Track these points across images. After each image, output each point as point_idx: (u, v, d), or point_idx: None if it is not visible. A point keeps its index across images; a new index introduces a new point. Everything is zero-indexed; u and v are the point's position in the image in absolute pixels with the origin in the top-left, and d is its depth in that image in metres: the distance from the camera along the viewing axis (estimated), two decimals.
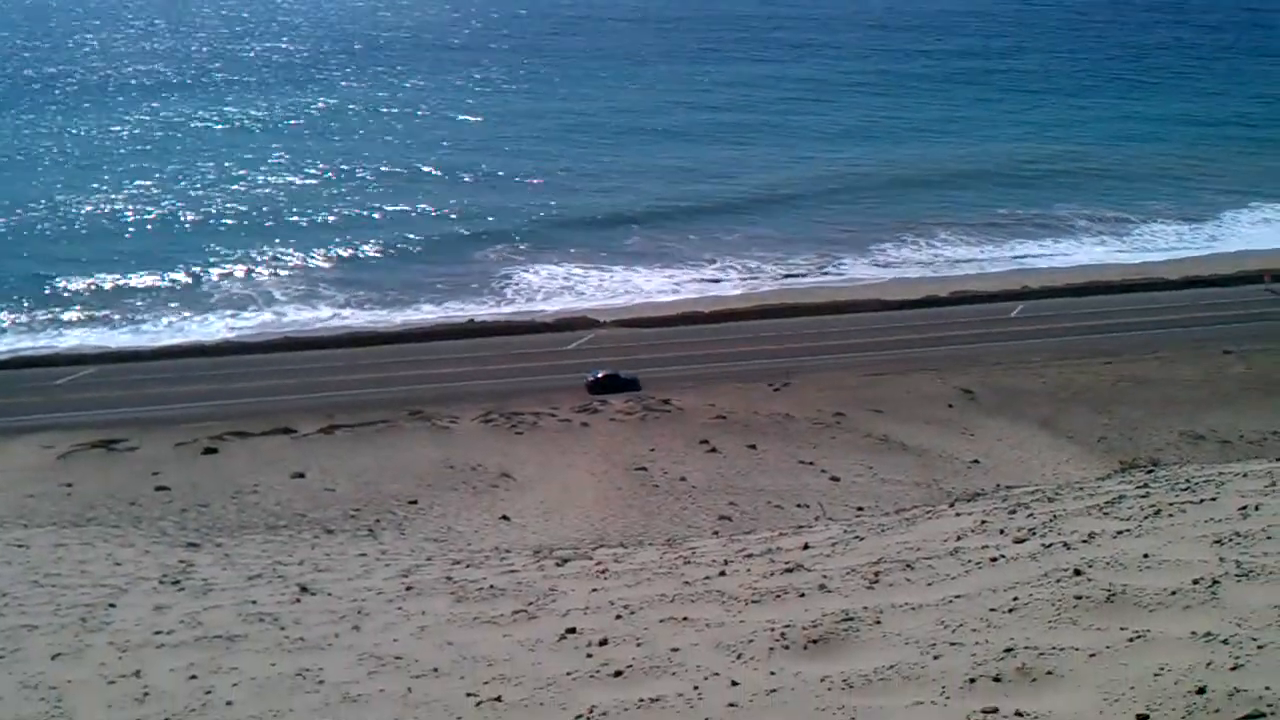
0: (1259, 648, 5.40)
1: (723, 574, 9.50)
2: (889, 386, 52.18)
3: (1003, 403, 49.58)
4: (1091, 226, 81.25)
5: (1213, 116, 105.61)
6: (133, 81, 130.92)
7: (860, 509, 31.58)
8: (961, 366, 54.53)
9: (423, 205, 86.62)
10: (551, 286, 72.83)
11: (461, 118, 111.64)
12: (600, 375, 54.01)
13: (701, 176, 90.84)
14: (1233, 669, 5.23)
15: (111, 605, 14.41)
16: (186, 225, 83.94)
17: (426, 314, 68.27)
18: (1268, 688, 4.93)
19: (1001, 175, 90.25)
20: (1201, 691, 5.04)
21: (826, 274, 73.56)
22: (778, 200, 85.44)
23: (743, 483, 39.01)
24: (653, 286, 72.56)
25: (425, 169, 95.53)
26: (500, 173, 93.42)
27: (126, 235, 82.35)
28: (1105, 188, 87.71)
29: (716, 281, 73.03)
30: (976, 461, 41.55)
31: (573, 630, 8.30)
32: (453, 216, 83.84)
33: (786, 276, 72.97)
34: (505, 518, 34.60)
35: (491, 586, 11.08)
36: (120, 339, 66.44)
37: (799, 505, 35.06)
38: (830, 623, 7.08)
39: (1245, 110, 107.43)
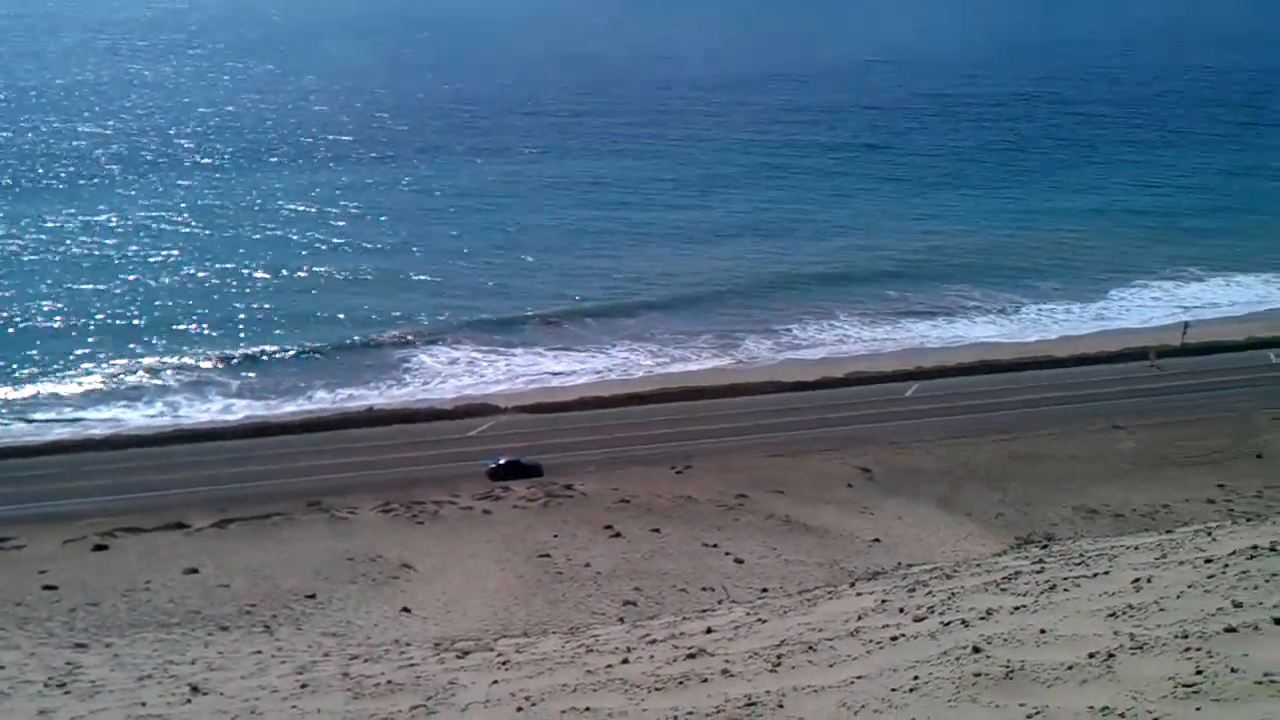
0: None
1: (625, 661, 9.39)
2: (790, 468, 52.57)
3: (901, 481, 50.20)
4: (983, 307, 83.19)
5: (1097, 203, 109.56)
6: (20, 180, 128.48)
7: (765, 590, 31.57)
8: (859, 446, 55.16)
9: (316, 298, 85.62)
10: (452, 372, 72.32)
11: (352, 212, 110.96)
12: (502, 462, 53.60)
13: (599, 272, 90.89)
14: None
15: None
16: (74, 319, 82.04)
17: (322, 403, 67.23)
18: None
19: (895, 260, 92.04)
20: None
21: (728, 357, 74.19)
22: (674, 291, 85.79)
23: (647, 567, 38.84)
24: (556, 369, 72.48)
25: (316, 264, 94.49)
26: (394, 269, 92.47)
27: (9, 330, 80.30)
28: (996, 271, 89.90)
29: (618, 367, 73.27)
30: (877, 540, 41.88)
31: None
32: (347, 311, 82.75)
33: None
34: (406, 610, 33.98)
35: (389, 681, 10.81)
36: (6, 434, 64.41)
37: (703, 588, 34.97)
38: (733, 708, 7.00)
39: (1129, 197, 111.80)
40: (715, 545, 41.65)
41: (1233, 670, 5.87)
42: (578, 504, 47.91)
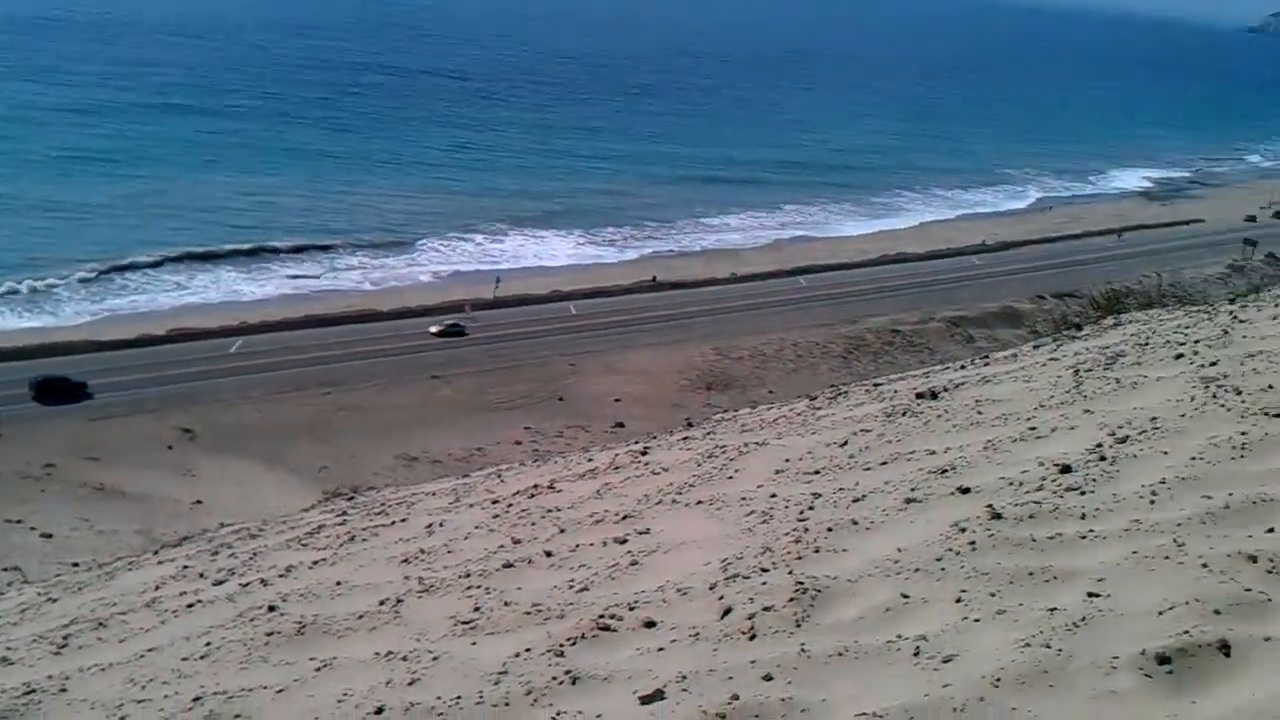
0: (434, 659, 5.71)
1: None
2: (105, 431, 49.68)
3: (225, 440, 49.26)
4: (298, 260, 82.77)
5: (392, 172, 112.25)
6: None
7: (75, 565, 29.63)
8: (180, 405, 53.29)
9: None
10: None
11: None
12: None
13: None
14: (410, 684, 5.47)
15: None
16: None
17: None
18: (439, 697, 5.22)
19: (215, 223, 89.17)
20: (380, 711, 5.21)
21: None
22: None
23: None
24: None
25: None
26: None
27: None
28: (305, 230, 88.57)
29: None
30: (199, 502, 40.91)
31: None
32: None
33: None
34: None
35: None
36: None
37: (4, 569, 32.13)
38: (8, 699, 6.48)
39: (431, 168, 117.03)
40: (20, 521, 38.56)
41: (506, 604, 6.31)
42: None
